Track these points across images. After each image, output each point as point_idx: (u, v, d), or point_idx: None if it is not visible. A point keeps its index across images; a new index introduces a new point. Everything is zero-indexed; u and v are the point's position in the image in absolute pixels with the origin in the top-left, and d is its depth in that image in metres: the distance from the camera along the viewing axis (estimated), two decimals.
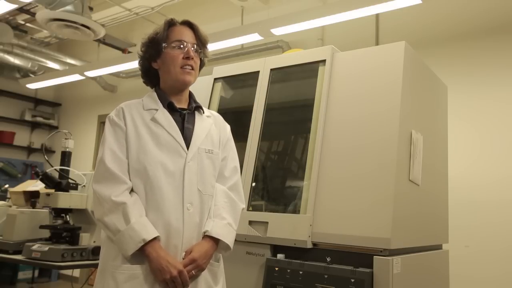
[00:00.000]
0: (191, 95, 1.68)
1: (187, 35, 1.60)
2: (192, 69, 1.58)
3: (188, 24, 1.63)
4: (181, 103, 1.63)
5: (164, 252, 1.41)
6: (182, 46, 1.57)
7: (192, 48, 1.59)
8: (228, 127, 1.75)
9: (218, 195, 1.59)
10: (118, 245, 1.41)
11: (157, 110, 1.56)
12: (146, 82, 1.70)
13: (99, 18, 5.09)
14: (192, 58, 1.57)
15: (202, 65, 1.69)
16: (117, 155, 1.48)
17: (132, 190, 1.48)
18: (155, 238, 1.40)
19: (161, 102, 1.59)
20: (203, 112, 1.67)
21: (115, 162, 1.46)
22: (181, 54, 1.56)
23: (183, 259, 1.44)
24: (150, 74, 1.66)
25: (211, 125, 1.65)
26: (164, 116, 1.56)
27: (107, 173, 1.45)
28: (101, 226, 1.46)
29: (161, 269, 1.38)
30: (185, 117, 1.59)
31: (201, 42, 1.63)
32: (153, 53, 1.60)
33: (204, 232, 1.50)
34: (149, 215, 1.44)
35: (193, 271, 1.43)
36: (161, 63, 1.60)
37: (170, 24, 1.61)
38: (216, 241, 1.51)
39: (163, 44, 1.57)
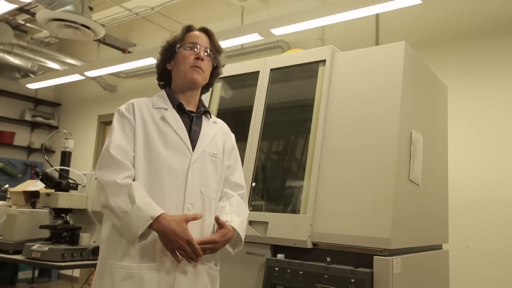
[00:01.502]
0: (200, 100, 1.71)
1: (202, 39, 1.65)
2: (202, 70, 1.61)
3: (205, 31, 1.68)
4: (190, 106, 1.65)
5: (174, 218, 1.40)
6: (195, 48, 1.61)
7: (206, 53, 1.63)
8: (233, 136, 1.78)
9: (231, 197, 1.64)
10: (126, 228, 1.38)
11: (166, 109, 1.59)
12: (160, 84, 1.73)
13: (99, 18, 5.09)
14: (203, 60, 1.61)
15: (216, 74, 1.73)
16: (123, 146, 1.48)
17: None
18: (162, 214, 1.40)
19: (171, 102, 1.61)
20: (210, 118, 1.70)
21: (121, 151, 1.47)
22: (193, 54, 1.61)
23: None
24: (164, 75, 1.70)
25: (217, 131, 1.68)
26: (173, 116, 1.58)
27: (112, 161, 1.45)
28: (106, 212, 1.44)
29: (175, 235, 1.38)
30: (193, 120, 1.62)
31: (215, 48, 1.67)
32: (168, 54, 1.66)
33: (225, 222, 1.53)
34: None
35: (207, 250, 1.46)
36: (174, 64, 1.65)
37: (188, 29, 1.66)
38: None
39: (178, 45, 1.63)
